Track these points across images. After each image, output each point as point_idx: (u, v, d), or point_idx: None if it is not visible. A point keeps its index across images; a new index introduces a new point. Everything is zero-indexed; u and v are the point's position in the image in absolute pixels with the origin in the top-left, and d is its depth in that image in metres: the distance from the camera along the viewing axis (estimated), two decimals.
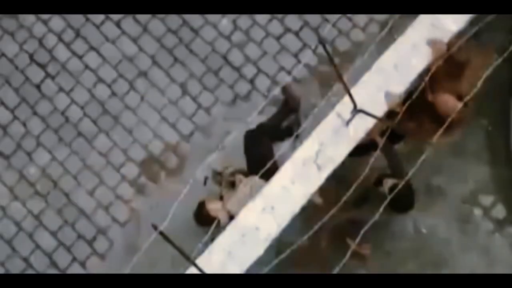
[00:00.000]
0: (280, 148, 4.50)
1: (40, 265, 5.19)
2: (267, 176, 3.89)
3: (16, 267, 5.20)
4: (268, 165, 3.80)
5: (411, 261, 4.98)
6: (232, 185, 4.83)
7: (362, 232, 3.20)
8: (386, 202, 3.28)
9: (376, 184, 4.57)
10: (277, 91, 5.31)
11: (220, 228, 3.68)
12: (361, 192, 3.88)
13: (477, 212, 5.07)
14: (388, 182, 4.44)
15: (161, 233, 2.58)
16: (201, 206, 4.77)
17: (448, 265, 4.96)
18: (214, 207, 4.69)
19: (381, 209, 3.23)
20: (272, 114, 5.26)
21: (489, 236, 5.03)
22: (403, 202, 4.36)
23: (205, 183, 5.00)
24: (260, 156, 4.78)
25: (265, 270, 3.23)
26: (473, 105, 3.98)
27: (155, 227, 2.56)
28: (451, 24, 3.71)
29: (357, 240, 3.23)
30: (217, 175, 5.03)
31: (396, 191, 3.72)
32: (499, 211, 5.06)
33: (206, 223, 4.65)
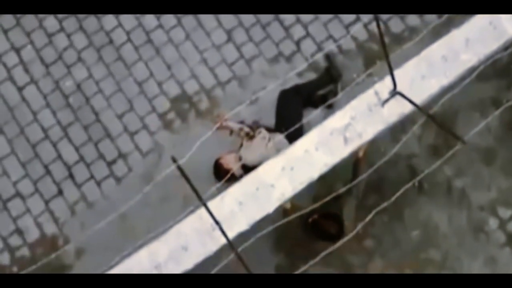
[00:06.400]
0: (311, 114, 4.51)
1: (58, 175, 5.33)
2: (291, 138, 3.92)
3: (35, 171, 5.34)
4: (295, 126, 3.82)
5: (416, 255, 4.99)
6: (251, 137, 4.89)
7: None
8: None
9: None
10: (320, 57, 5.28)
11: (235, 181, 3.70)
12: None
13: (493, 222, 5.03)
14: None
15: (179, 167, 2.64)
16: (218, 162, 4.87)
17: (451, 267, 4.95)
18: (228, 160, 4.78)
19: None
20: (311, 79, 5.23)
21: (499, 248, 4.99)
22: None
23: (230, 133, 5.05)
24: (290, 116, 4.80)
25: (269, 229, 3.26)
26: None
27: (174, 160, 2.61)
28: (511, 27, 3.60)
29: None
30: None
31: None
32: None
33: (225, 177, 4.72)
